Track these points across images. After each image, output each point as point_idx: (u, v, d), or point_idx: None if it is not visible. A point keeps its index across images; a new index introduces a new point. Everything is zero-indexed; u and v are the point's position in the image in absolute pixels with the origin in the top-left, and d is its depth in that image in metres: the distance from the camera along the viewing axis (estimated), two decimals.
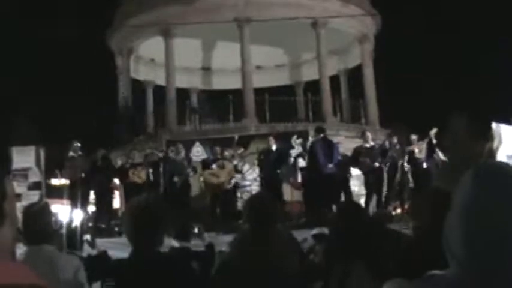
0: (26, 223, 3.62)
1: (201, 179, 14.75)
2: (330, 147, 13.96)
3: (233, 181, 14.56)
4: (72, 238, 7.19)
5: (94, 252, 8.06)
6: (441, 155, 12.90)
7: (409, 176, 14.16)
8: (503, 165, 1.42)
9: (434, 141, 13.47)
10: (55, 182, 16.66)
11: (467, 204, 1.36)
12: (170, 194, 13.65)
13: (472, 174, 1.40)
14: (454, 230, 1.37)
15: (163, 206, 3.33)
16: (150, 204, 3.22)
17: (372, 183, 14.23)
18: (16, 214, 1.29)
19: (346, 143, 16.69)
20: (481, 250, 1.32)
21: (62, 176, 15.41)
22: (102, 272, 3.29)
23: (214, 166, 14.56)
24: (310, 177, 14.11)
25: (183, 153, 14.95)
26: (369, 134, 14.94)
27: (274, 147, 14.98)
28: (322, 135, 14.07)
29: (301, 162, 14.62)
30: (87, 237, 9.63)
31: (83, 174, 14.08)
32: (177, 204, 12.69)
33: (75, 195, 14.09)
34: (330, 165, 13.60)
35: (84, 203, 14.17)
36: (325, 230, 6.16)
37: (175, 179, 14.25)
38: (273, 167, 14.51)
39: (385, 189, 14.43)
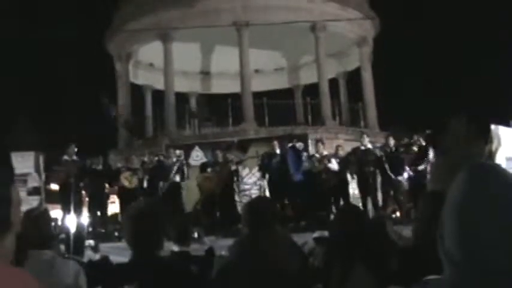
0: (26, 229, 3.61)
1: (196, 182, 14.75)
2: (298, 156, 14.44)
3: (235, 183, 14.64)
4: (72, 243, 7.17)
5: (97, 256, 8.05)
6: (431, 158, 12.97)
7: (404, 178, 14.18)
8: (495, 166, 1.42)
9: (424, 144, 13.56)
10: (54, 187, 16.66)
11: (460, 205, 1.36)
12: (157, 198, 13.72)
13: (465, 175, 1.40)
14: (448, 231, 1.37)
15: (162, 210, 3.33)
16: (150, 208, 3.22)
17: (364, 187, 14.27)
18: (20, 220, 1.30)
19: (345, 146, 16.67)
20: (475, 251, 1.32)
21: (50, 181, 15.40)
22: (102, 277, 3.29)
23: (209, 170, 14.59)
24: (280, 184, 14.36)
25: (174, 158, 14.96)
26: (365, 137, 14.99)
27: (278, 151, 15.01)
28: (291, 144, 14.43)
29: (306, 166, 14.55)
30: (91, 242, 9.60)
31: (72, 179, 14.06)
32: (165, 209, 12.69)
33: (66, 199, 14.10)
34: (298, 175, 14.10)
35: (77, 208, 14.14)
36: (326, 233, 6.16)
37: (161, 184, 14.32)
38: (279, 171, 14.54)
39: (379, 192, 14.47)
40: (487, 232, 1.31)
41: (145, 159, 15.85)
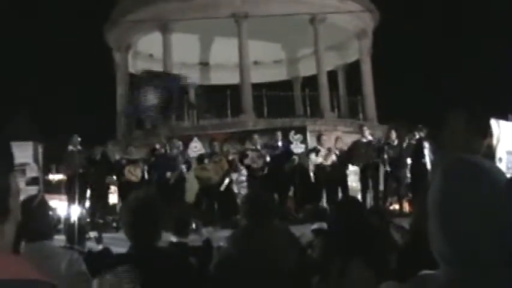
0: (25, 218, 3.59)
1: (194, 173, 14.75)
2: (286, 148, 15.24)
3: (227, 180, 14.57)
4: (72, 233, 7.17)
5: (99, 247, 8.06)
6: (427, 153, 12.99)
7: (407, 171, 14.16)
8: (472, 161, 1.41)
9: (422, 135, 13.56)
10: (53, 177, 16.65)
11: (442, 203, 1.36)
12: (163, 189, 13.67)
13: (442, 171, 1.40)
14: (435, 229, 1.37)
15: (161, 201, 3.33)
16: (148, 199, 3.22)
17: (367, 179, 14.26)
18: (19, 210, 1.30)
19: (344, 139, 16.69)
20: (463, 248, 1.32)
21: (59, 171, 15.37)
22: (102, 267, 3.29)
23: (206, 161, 14.57)
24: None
25: (177, 149, 14.94)
26: (366, 129, 14.97)
27: (280, 143, 15.05)
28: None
29: (316, 159, 14.55)
30: (95, 233, 9.59)
31: (80, 170, 14.06)
32: (171, 200, 12.67)
33: (72, 190, 14.07)
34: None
35: (82, 198, 14.13)
36: (325, 225, 6.17)
37: (168, 174, 14.27)
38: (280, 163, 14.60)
39: (382, 185, 14.47)
40: (471, 229, 1.31)
41: (157, 146, 15.66)
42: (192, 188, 15.00)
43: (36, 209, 3.66)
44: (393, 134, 14.34)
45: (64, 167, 14.51)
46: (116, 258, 3.84)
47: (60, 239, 7.22)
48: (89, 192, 14.54)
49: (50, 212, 4.04)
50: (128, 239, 3.17)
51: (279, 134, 15.38)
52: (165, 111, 20.46)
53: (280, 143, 15.10)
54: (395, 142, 14.17)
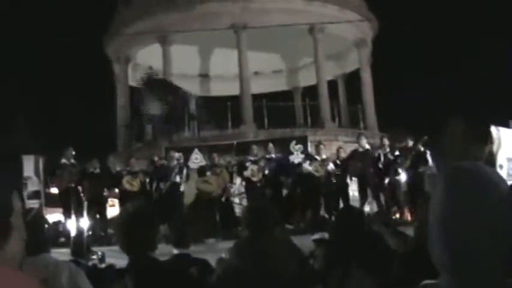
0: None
1: (195, 185, 14.73)
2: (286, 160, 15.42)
3: (231, 190, 14.60)
4: (75, 246, 7.17)
5: (103, 266, 8.05)
6: (430, 163, 12.95)
7: (402, 180, 14.14)
8: (474, 169, 1.40)
9: (422, 149, 13.52)
10: (54, 190, 16.62)
11: (443, 212, 1.36)
12: (157, 200, 13.70)
13: (443, 180, 1.39)
14: (436, 238, 1.37)
15: (151, 210, 3.32)
16: (136, 210, 3.19)
17: (365, 189, 14.24)
18: (23, 227, 1.30)
19: (345, 148, 16.67)
20: (464, 257, 1.32)
21: (52, 185, 15.31)
22: (106, 282, 3.29)
23: (208, 173, 14.58)
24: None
25: (175, 161, 14.92)
26: (363, 138, 14.95)
27: (273, 155, 15.04)
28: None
29: (308, 168, 14.55)
30: (98, 254, 9.55)
31: (73, 183, 13.98)
32: (165, 210, 12.66)
33: (67, 203, 14.01)
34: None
35: (78, 212, 14.06)
36: (326, 235, 6.16)
37: (161, 185, 14.28)
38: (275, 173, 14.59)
39: (382, 195, 14.46)
40: (471, 239, 1.31)
41: (155, 158, 15.75)
42: (190, 193, 14.97)
43: (32, 222, 3.66)
44: (386, 143, 14.36)
45: (55, 180, 14.48)
46: (118, 272, 3.84)
47: (62, 252, 7.23)
48: (88, 205, 14.49)
49: (46, 225, 4.04)
50: (123, 252, 3.15)
51: (271, 146, 15.33)
52: (166, 123, 20.52)
53: (273, 155, 15.05)
54: (387, 150, 14.17)
